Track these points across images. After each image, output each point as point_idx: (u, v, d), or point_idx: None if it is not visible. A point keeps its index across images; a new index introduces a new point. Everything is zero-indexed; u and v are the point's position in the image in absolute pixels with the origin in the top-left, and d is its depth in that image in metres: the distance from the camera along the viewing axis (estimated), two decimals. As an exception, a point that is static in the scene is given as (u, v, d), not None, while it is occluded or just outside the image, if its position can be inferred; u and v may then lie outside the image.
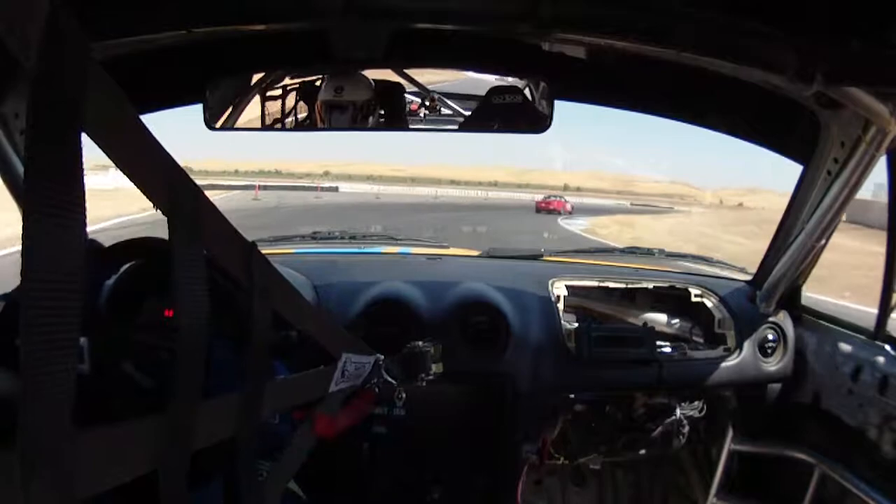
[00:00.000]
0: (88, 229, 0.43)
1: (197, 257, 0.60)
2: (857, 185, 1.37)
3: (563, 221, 21.12)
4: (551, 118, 1.33)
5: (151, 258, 1.01)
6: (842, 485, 1.45)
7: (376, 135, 1.54)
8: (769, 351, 1.72)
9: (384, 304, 1.60)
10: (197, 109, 1.32)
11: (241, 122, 1.44)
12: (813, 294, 1.82)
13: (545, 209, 26.28)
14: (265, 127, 1.44)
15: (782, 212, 1.64)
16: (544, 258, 2.04)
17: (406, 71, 1.40)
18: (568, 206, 27.47)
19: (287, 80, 1.41)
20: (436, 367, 1.37)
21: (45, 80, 0.40)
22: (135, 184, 0.52)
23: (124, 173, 0.51)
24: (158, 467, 0.59)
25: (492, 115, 1.36)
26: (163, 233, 0.59)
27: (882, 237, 1.42)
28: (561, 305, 1.75)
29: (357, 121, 1.35)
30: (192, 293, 0.59)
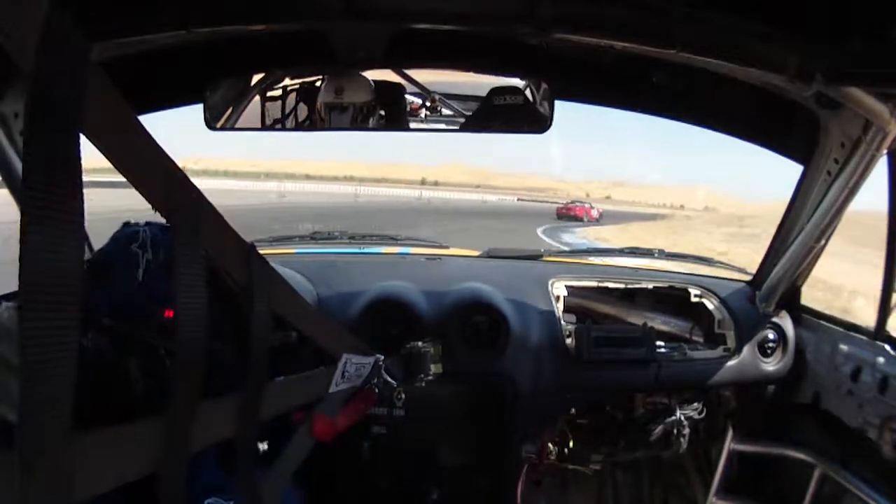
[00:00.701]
0: None
1: (196, 257, 0.60)
2: (857, 186, 1.36)
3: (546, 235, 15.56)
4: (552, 118, 1.33)
5: None
6: (842, 485, 1.44)
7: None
8: (769, 351, 1.72)
9: (384, 305, 1.60)
10: (191, 109, 1.33)
11: (241, 122, 1.44)
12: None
13: (566, 215, 23.66)
14: (265, 127, 1.44)
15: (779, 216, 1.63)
16: (544, 258, 2.04)
17: (406, 71, 1.40)
18: (594, 213, 24.73)
19: (287, 81, 1.42)
20: (435, 368, 1.37)
21: (43, 81, 0.40)
22: (133, 184, 0.52)
23: (122, 174, 0.51)
24: (158, 468, 0.59)
25: (493, 115, 1.37)
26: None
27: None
28: (560, 305, 1.75)
29: (357, 121, 1.35)
30: (191, 293, 0.59)
